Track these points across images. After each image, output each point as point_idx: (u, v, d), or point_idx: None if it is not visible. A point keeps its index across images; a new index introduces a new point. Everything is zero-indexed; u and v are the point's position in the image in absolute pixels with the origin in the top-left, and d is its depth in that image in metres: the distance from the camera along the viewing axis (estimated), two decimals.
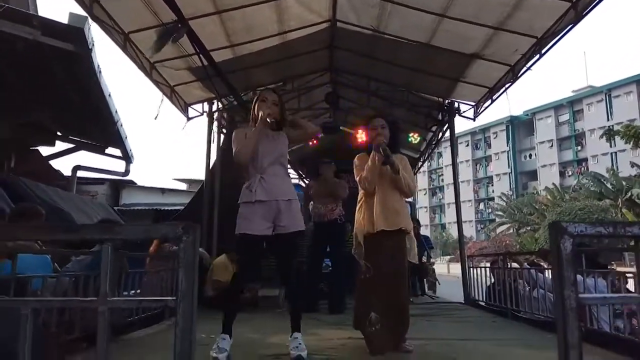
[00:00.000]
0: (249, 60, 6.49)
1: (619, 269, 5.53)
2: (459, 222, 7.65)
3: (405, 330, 3.05)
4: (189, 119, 7.27)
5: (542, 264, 5.21)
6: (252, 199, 2.90)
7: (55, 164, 8.26)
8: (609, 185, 31.37)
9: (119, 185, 12.77)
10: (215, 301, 5.38)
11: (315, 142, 7.98)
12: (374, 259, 3.08)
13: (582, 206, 29.48)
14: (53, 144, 7.88)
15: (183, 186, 17.08)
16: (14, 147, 7.10)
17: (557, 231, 1.02)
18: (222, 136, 7.64)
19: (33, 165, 7.45)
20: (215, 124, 7.46)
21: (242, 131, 3.10)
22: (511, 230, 39.52)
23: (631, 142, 16.35)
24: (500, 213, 42.86)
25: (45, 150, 8.08)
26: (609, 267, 4.60)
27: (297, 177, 11.84)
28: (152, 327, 4.03)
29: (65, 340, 2.80)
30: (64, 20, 4.58)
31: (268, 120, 2.95)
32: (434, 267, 10.88)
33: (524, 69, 5.83)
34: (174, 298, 1.01)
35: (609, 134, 17.53)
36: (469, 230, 49.38)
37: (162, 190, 14.36)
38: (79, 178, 8.66)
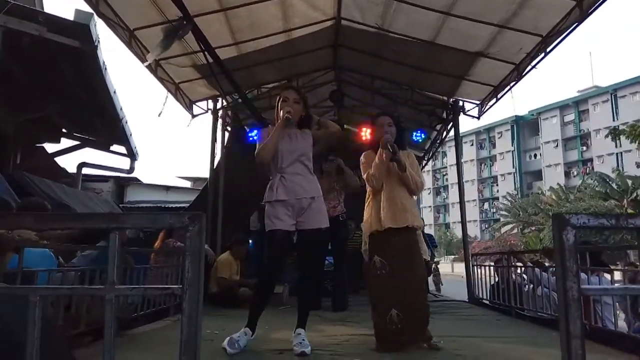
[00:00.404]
0: (254, 58, 6.50)
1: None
2: (463, 222, 7.63)
3: (426, 327, 3.03)
4: (193, 116, 7.30)
5: (546, 263, 5.19)
6: (272, 198, 2.98)
7: (60, 160, 8.34)
8: (614, 186, 31.17)
9: (124, 183, 12.84)
10: (219, 298, 5.42)
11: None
12: (385, 256, 3.06)
13: (587, 206, 29.28)
14: (58, 141, 7.95)
15: (187, 184, 17.13)
16: (19, 144, 7.15)
17: (560, 223, 1.02)
18: (226, 134, 7.66)
19: (38, 161, 7.50)
20: (220, 121, 7.47)
21: (268, 131, 3.15)
22: (515, 230, 39.32)
23: (637, 142, 16.18)
24: (504, 213, 42.64)
25: (50, 147, 8.15)
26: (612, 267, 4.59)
27: None
28: (157, 322, 4.04)
29: (71, 334, 2.82)
30: (70, 16, 4.62)
31: (289, 117, 2.98)
32: (439, 266, 10.89)
33: (529, 67, 5.83)
34: (180, 286, 1.02)
35: (614, 133, 17.35)
36: (474, 230, 49.20)
37: (167, 188, 14.39)
38: (84, 175, 8.72)
